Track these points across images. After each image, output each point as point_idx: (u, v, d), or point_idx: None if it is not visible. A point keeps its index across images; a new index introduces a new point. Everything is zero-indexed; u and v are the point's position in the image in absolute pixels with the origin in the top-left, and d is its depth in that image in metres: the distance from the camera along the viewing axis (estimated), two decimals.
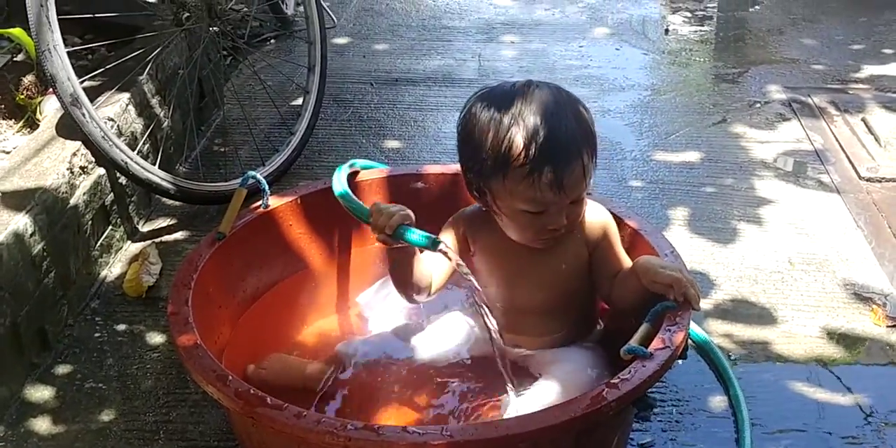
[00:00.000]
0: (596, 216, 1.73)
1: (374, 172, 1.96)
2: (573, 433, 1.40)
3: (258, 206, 1.83)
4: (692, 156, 2.88)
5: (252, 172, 1.79)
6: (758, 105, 3.21)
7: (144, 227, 2.42)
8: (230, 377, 1.38)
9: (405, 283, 1.65)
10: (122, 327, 2.07)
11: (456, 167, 1.98)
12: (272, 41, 3.58)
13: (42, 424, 1.81)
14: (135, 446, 1.76)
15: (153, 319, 2.08)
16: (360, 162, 1.99)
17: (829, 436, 1.82)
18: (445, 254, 1.53)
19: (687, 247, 2.40)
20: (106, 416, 1.84)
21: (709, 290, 2.26)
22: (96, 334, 2.05)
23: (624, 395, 1.38)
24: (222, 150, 2.80)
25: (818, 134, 3.02)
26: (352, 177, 1.91)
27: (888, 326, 2.15)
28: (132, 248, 2.33)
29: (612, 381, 1.41)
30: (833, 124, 3.08)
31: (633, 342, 1.50)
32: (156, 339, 2.04)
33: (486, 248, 1.72)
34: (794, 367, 2.01)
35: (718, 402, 1.92)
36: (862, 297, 2.23)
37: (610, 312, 1.79)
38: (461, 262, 1.56)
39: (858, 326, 2.13)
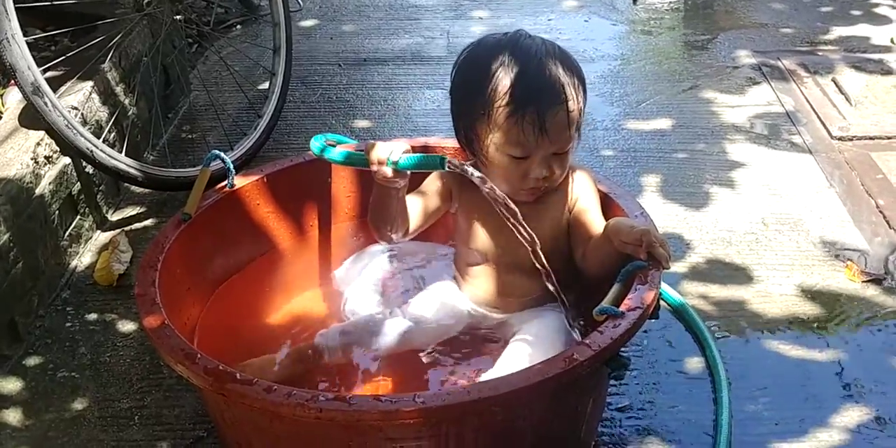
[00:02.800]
0: (579, 178, 1.75)
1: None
2: (547, 395, 1.40)
3: (224, 186, 1.81)
4: (663, 123, 2.87)
5: (216, 152, 1.77)
6: (728, 70, 3.21)
7: (114, 216, 2.40)
8: (199, 355, 1.37)
9: (386, 218, 1.65)
10: (93, 316, 2.06)
11: (424, 140, 1.99)
12: (238, 27, 3.54)
13: (14, 416, 1.80)
14: (109, 433, 1.75)
15: (125, 307, 2.06)
16: (331, 136, 1.96)
17: (807, 393, 1.83)
18: (456, 167, 1.52)
19: (660, 212, 2.39)
20: (79, 404, 1.82)
21: (683, 253, 2.26)
22: (68, 324, 2.04)
23: (596, 354, 1.37)
24: (190, 136, 2.78)
25: (789, 96, 3.02)
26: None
27: (863, 282, 2.15)
28: (102, 237, 2.31)
29: (584, 340, 1.40)
30: (803, 86, 3.07)
31: (605, 302, 1.50)
32: (128, 326, 2.02)
33: (469, 202, 1.72)
34: (770, 327, 2.01)
35: (696, 363, 1.92)
36: (836, 254, 2.24)
37: (585, 278, 1.78)
38: (473, 170, 1.54)
39: (834, 283, 2.14)
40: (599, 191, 1.77)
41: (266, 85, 2.77)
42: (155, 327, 1.42)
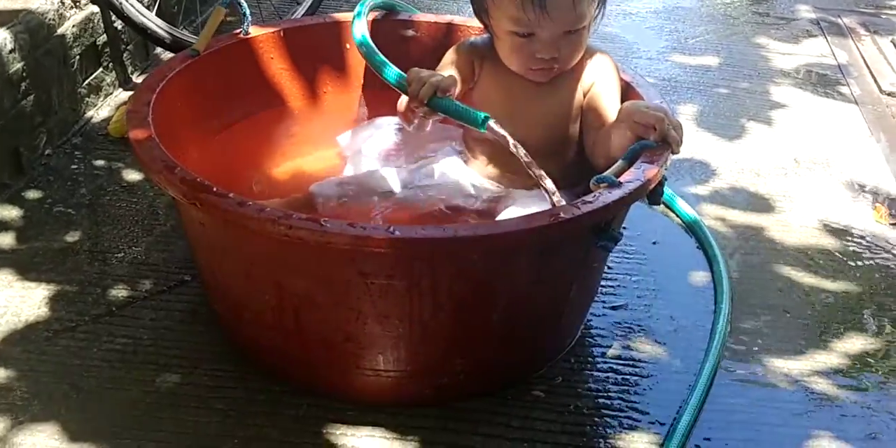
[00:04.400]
0: (599, 62, 1.67)
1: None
2: (528, 251, 1.35)
3: (239, 32, 1.78)
4: (709, 60, 2.80)
5: None
6: (785, 21, 3.12)
7: (138, 78, 2.38)
8: (179, 167, 1.34)
9: (413, 120, 1.59)
10: (100, 162, 2.04)
11: (449, 18, 1.94)
12: None
13: (4, 239, 1.79)
14: (94, 266, 1.74)
15: (134, 158, 2.04)
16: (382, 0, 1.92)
17: (812, 319, 1.77)
18: (496, 132, 1.45)
19: (691, 139, 2.33)
20: (70, 237, 1.81)
21: (708, 179, 2.20)
22: (73, 166, 2.03)
23: (583, 214, 1.32)
24: (229, 19, 2.75)
25: (843, 50, 2.92)
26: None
27: (891, 224, 2.07)
28: (123, 95, 2.30)
29: (575, 202, 1.35)
30: (860, 43, 2.98)
31: (606, 173, 1.44)
32: (132, 175, 2.01)
33: (488, 77, 1.66)
34: (785, 253, 1.95)
35: (701, 277, 1.86)
36: (866, 196, 2.16)
37: (593, 168, 1.72)
38: (514, 141, 1.46)
39: (858, 222, 2.06)
40: (620, 80, 1.70)
41: None
42: (140, 139, 1.39)
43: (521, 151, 1.45)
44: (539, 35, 1.54)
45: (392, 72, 1.58)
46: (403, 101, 1.55)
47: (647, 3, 3.15)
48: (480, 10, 1.61)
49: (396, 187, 1.68)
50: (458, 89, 1.54)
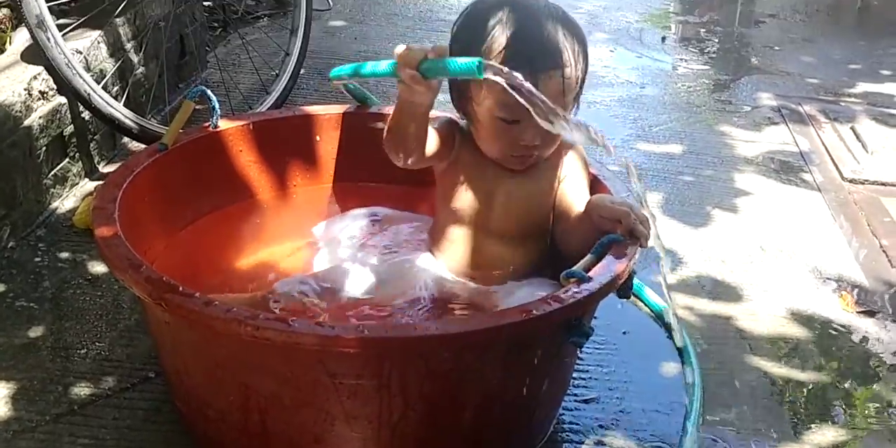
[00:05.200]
0: (573, 156, 1.69)
1: (336, 108, 1.92)
2: (499, 348, 1.33)
3: (207, 126, 1.78)
4: (674, 148, 2.84)
5: (202, 87, 1.74)
6: (747, 108, 3.18)
7: (105, 168, 2.37)
8: (145, 266, 1.32)
9: (404, 140, 1.54)
10: (64, 255, 2.02)
11: None
12: (265, 19, 3.56)
13: None
14: (57, 363, 1.70)
15: (98, 251, 2.02)
16: (357, 87, 1.92)
17: (784, 410, 1.76)
18: (498, 72, 1.31)
19: (657, 227, 2.34)
20: (33, 333, 1.78)
21: (675, 267, 2.21)
22: (37, 259, 2.00)
23: (555, 310, 1.31)
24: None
25: (805, 138, 2.98)
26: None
27: (857, 312, 2.09)
28: (89, 186, 2.28)
29: (545, 297, 1.35)
30: (821, 130, 3.04)
31: (575, 268, 1.44)
32: (97, 268, 1.98)
33: (466, 159, 1.66)
34: (754, 343, 1.95)
35: (672, 368, 1.85)
36: (832, 284, 2.17)
37: (562, 257, 1.72)
38: (520, 77, 1.31)
39: (825, 310, 2.07)
40: (588, 173, 1.73)
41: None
42: (106, 236, 1.38)
43: (536, 92, 1.32)
44: (524, 122, 1.53)
45: (373, 63, 1.51)
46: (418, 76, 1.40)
47: (611, 92, 3.20)
48: (462, 96, 1.60)
49: (360, 279, 1.66)
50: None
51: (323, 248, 1.80)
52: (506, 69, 1.31)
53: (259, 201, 1.88)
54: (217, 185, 1.81)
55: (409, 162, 1.58)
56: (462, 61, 1.31)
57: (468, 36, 1.57)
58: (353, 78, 1.62)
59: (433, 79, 1.39)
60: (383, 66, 1.47)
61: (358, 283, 1.65)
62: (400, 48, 1.39)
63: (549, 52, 1.51)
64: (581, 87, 1.60)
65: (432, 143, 1.60)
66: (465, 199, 1.67)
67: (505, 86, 1.33)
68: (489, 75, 1.31)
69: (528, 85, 1.32)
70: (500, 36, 1.52)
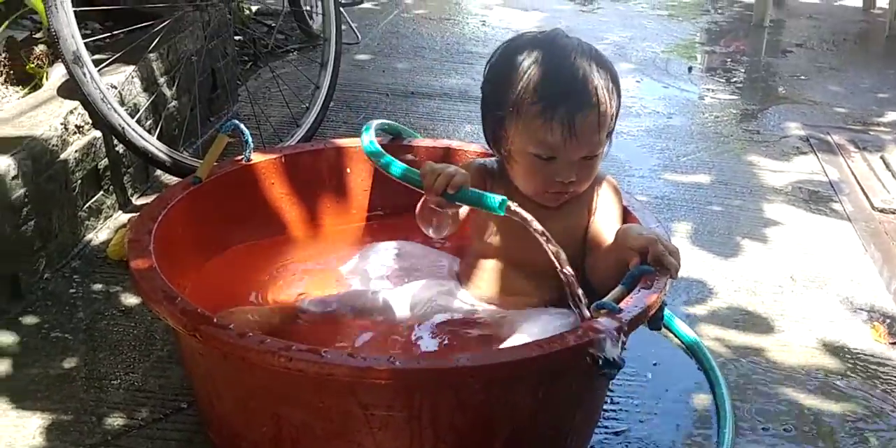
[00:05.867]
0: (606, 189, 1.72)
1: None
2: (530, 379, 1.34)
3: (240, 159, 1.81)
4: (702, 178, 2.84)
5: (235, 121, 1.77)
6: (775, 138, 3.18)
7: (138, 201, 2.40)
8: (180, 298, 1.34)
9: (439, 225, 1.60)
10: (98, 286, 2.04)
11: (447, 142, 1.98)
12: (295, 53, 3.61)
13: (0, 366, 1.78)
14: (90, 393, 1.72)
15: (131, 282, 2.04)
16: (388, 123, 1.94)
17: (817, 443, 1.74)
18: (517, 214, 1.46)
19: (686, 257, 2.29)
20: (67, 363, 1.79)
21: (705, 297, 2.20)
22: (71, 290, 2.02)
23: (586, 342, 1.32)
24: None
25: (834, 167, 2.97)
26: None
27: (890, 343, 2.07)
28: (123, 218, 2.31)
29: (577, 329, 1.35)
30: (850, 160, 3.03)
31: (606, 299, 1.45)
32: (130, 299, 2.00)
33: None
34: (786, 375, 1.93)
35: (703, 400, 1.84)
36: (864, 315, 2.16)
37: (591, 288, 1.73)
38: (533, 219, 1.47)
39: (858, 342, 2.05)
40: None
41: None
42: (141, 269, 1.40)
43: (552, 247, 1.47)
44: (560, 159, 1.57)
45: (401, 168, 1.57)
46: (442, 201, 1.51)
47: (638, 122, 3.22)
48: (496, 134, 1.64)
49: (382, 302, 1.68)
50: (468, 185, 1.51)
51: (351, 280, 1.81)
52: (524, 213, 1.45)
53: (290, 233, 1.91)
54: (249, 217, 1.84)
55: (444, 237, 1.66)
56: (489, 197, 1.44)
57: (502, 76, 1.61)
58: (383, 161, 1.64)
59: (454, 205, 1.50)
60: (411, 174, 1.54)
61: (381, 305, 1.67)
62: (427, 172, 1.48)
63: (584, 92, 1.55)
64: (614, 123, 1.64)
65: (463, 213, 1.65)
66: (497, 235, 1.69)
67: (525, 224, 1.45)
68: (507, 214, 1.44)
69: (541, 229, 1.46)
70: (535, 75, 1.56)
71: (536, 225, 1.46)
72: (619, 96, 1.62)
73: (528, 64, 1.57)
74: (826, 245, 2.48)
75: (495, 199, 1.44)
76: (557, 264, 1.47)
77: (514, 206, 1.45)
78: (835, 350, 2.02)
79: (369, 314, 1.67)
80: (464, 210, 1.65)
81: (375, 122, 1.85)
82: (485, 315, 1.67)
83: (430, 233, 1.62)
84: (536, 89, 1.55)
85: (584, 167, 1.60)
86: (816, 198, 2.75)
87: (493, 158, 1.74)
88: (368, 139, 1.74)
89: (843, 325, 2.11)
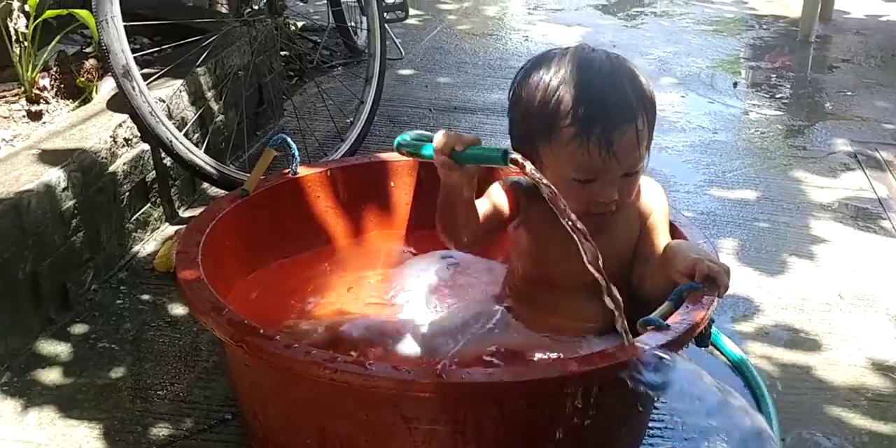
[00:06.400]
0: (652, 194, 1.66)
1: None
2: (574, 393, 1.33)
3: (287, 172, 1.83)
4: (748, 194, 2.81)
5: (282, 135, 1.78)
6: (822, 154, 3.14)
7: (185, 213, 2.43)
8: (227, 309, 1.35)
9: (452, 222, 1.51)
10: (145, 297, 2.07)
11: None
12: (340, 68, 3.64)
13: (49, 376, 1.80)
14: (136, 403, 1.74)
15: (178, 293, 2.06)
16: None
17: None
18: (518, 163, 1.36)
19: (732, 274, 2.27)
20: (114, 373, 1.82)
21: (751, 315, 2.18)
22: (118, 301, 2.05)
23: (632, 358, 1.31)
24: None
25: (882, 184, 2.93)
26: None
27: None
28: (169, 230, 2.34)
29: (623, 345, 1.34)
30: None
31: (653, 315, 1.44)
32: (177, 310, 2.02)
33: (535, 216, 1.60)
34: (834, 394, 1.90)
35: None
36: None
37: (637, 301, 1.70)
38: (535, 170, 1.37)
39: None
40: None
41: None
42: (189, 280, 1.42)
43: (571, 215, 1.38)
44: (600, 179, 1.50)
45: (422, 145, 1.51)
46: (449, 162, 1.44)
47: (683, 137, 3.19)
48: (531, 161, 1.47)
49: (421, 334, 1.63)
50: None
51: (398, 293, 1.81)
52: (522, 159, 1.35)
53: (335, 246, 1.92)
54: (295, 230, 1.85)
55: (466, 242, 1.55)
56: (491, 148, 1.38)
57: (531, 99, 1.51)
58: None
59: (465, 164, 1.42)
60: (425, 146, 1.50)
61: (424, 340, 1.61)
62: (439, 134, 1.42)
63: (619, 108, 1.47)
64: (652, 134, 1.56)
65: (490, 218, 1.57)
66: (538, 256, 1.63)
67: (527, 173, 1.37)
68: (511, 164, 1.36)
69: (543, 180, 1.37)
70: (566, 95, 1.47)
71: (548, 185, 1.37)
72: (654, 106, 1.53)
73: (554, 84, 1.48)
74: (874, 262, 2.44)
75: (496, 150, 1.37)
76: (603, 285, 1.39)
77: (517, 156, 1.36)
78: (884, 369, 1.99)
79: (401, 343, 1.61)
80: (483, 209, 1.56)
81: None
82: (540, 348, 1.58)
83: (457, 240, 1.54)
84: (568, 111, 1.46)
85: (625, 184, 1.53)
86: (864, 215, 2.71)
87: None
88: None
89: (893, 343, 2.08)
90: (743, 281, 2.31)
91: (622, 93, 1.49)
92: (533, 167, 1.37)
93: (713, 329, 1.99)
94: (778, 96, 3.74)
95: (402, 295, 1.79)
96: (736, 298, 2.23)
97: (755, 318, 2.17)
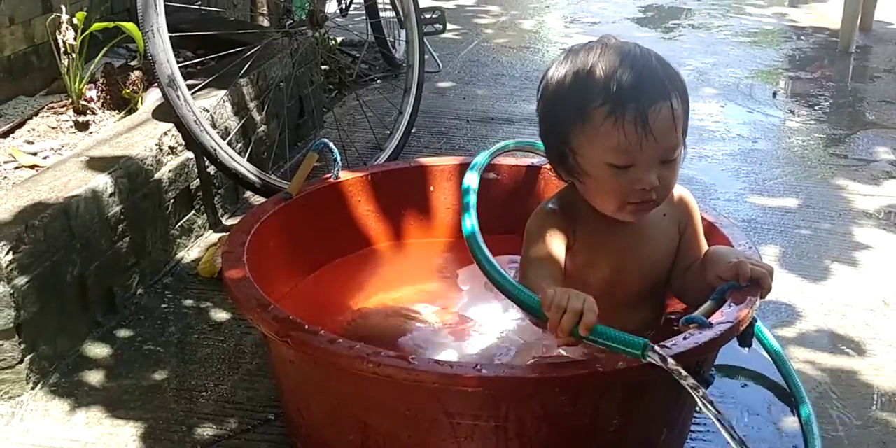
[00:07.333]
0: (686, 200, 1.64)
1: (449, 159, 1.97)
2: (616, 392, 1.33)
3: (329, 177, 1.85)
4: (789, 201, 2.80)
5: (324, 140, 1.81)
6: (863, 162, 3.12)
7: (228, 221, 2.47)
8: (272, 305, 1.37)
9: None
10: (189, 302, 2.10)
11: (529, 160, 1.99)
12: (378, 82, 3.68)
13: (95, 377, 1.84)
14: (181, 404, 1.76)
15: (221, 298, 2.10)
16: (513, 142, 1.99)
17: None
18: (660, 359, 1.24)
19: (775, 280, 2.26)
20: (159, 375, 1.85)
21: (794, 320, 2.16)
22: (163, 305, 2.08)
23: (674, 355, 1.30)
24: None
25: None
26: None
27: None
28: (213, 237, 2.38)
29: (665, 343, 1.34)
30: None
31: (696, 314, 1.43)
32: (221, 314, 2.05)
33: (587, 232, 1.55)
34: (879, 398, 1.88)
35: (791, 422, 1.80)
36: None
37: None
38: (682, 370, 1.24)
39: None
40: (704, 220, 1.71)
41: None
42: (235, 278, 1.44)
43: (690, 381, 1.24)
44: (638, 163, 1.44)
45: (517, 289, 1.39)
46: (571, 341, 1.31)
47: (723, 146, 3.18)
48: (562, 153, 1.51)
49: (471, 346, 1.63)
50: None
51: (467, 294, 1.81)
52: (661, 352, 1.24)
53: (376, 249, 1.94)
54: (337, 232, 1.88)
55: None
56: (630, 339, 1.25)
57: (561, 86, 1.49)
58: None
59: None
60: (526, 299, 1.36)
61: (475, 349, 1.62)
62: (548, 302, 1.28)
63: (653, 85, 1.43)
64: (687, 120, 1.51)
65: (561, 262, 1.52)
66: (598, 268, 1.58)
67: (668, 369, 1.24)
68: (650, 358, 1.24)
69: (690, 381, 1.23)
70: (597, 75, 1.44)
71: (680, 372, 1.24)
72: (685, 91, 1.49)
73: (584, 69, 1.45)
74: None
75: (637, 340, 1.24)
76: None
77: (657, 349, 1.24)
78: None
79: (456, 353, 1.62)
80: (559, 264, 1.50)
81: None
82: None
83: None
84: (599, 90, 1.42)
85: (664, 172, 1.47)
86: None
87: (554, 197, 1.61)
88: (471, 223, 1.61)
89: None
90: (785, 287, 2.29)
91: (654, 72, 1.45)
92: (674, 361, 1.24)
93: (758, 324, 1.98)
94: (818, 106, 3.72)
95: (471, 299, 1.79)
96: (778, 304, 2.22)
97: (798, 324, 2.15)
